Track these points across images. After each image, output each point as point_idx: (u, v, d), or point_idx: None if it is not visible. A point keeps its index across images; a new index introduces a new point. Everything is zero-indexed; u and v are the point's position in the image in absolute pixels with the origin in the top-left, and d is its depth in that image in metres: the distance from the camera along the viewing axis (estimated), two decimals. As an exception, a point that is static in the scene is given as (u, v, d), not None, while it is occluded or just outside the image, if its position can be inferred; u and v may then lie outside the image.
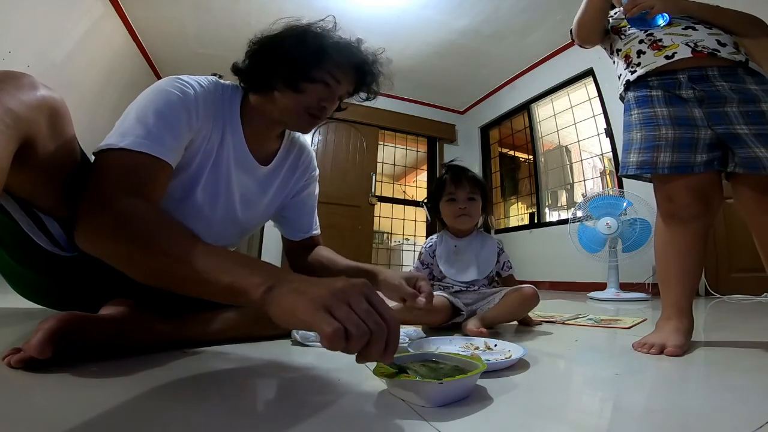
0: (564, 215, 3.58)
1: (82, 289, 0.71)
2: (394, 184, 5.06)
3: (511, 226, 4.20)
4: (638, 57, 0.94)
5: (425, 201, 2.30)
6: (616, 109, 2.86)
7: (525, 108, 4.02)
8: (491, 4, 2.97)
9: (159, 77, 3.79)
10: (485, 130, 4.60)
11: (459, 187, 1.21)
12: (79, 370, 0.52)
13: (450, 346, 0.76)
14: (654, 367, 0.70)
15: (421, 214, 4.63)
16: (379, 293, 0.44)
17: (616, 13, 1.03)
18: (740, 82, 0.83)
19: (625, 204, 2.41)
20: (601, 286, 2.50)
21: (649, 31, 0.92)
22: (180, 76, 0.71)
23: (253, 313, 0.75)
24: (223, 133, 0.77)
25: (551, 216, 3.80)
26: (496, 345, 0.75)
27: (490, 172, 4.49)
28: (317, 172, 1.01)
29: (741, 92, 0.82)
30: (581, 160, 3.61)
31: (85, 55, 2.76)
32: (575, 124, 3.55)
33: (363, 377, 0.56)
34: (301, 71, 0.74)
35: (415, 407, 0.44)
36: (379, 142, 4.45)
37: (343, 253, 0.99)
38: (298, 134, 0.95)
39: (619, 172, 1.00)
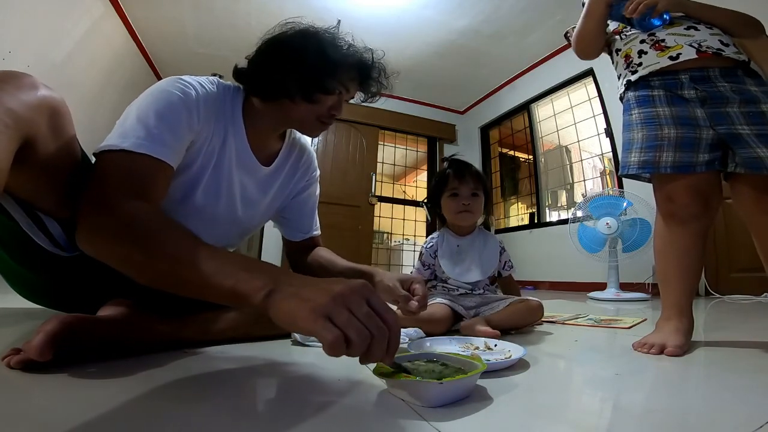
0: (564, 215, 3.58)
1: (82, 289, 0.71)
2: (394, 184, 5.06)
3: (511, 226, 4.20)
4: (639, 57, 0.93)
5: (425, 201, 2.29)
6: (616, 109, 2.85)
7: (525, 108, 4.01)
8: (491, 4, 2.97)
9: (159, 77, 3.79)
10: (485, 130, 4.60)
11: (462, 182, 1.17)
12: (79, 370, 0.52)
13: (450, 346, 0.76)
14: (654, 367, 0.70)
15: (421, 214, 4.63)
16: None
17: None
18: (740, 83, 0.84)
19: (625, 204, 2.41)
20: (601, 286, 2.49)
21: (650, 32, 0.92)
22: (181, 77, 0.71)
23: (253, 313, 0.75)
24: (225, 135, 0.76)
25: (551, 216, 3.80)
26: (496, 345, 0.75)
27: (490, 172, 4.48)
28: (318, 172, 1.01)
29: (742, 93, 0.82)
30: (581, 160, 3.61)
31: (85, 55, 2.76)
32: (575, 124, 3.55)
33: (363, 377, 0.56)
34: (316, 83, 0.74)
35: (415, 407, 0.44)
36: (379, 142, 4.45)
37: (342, 253, 0.99)
38: (299, 134, 0.95)
39: (619, 171, 0.99)
